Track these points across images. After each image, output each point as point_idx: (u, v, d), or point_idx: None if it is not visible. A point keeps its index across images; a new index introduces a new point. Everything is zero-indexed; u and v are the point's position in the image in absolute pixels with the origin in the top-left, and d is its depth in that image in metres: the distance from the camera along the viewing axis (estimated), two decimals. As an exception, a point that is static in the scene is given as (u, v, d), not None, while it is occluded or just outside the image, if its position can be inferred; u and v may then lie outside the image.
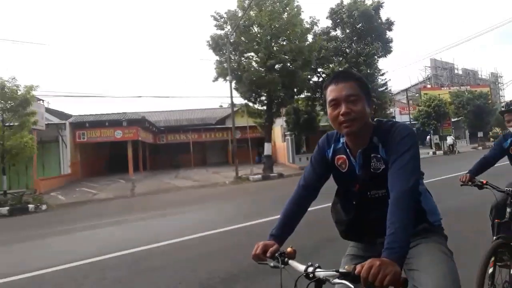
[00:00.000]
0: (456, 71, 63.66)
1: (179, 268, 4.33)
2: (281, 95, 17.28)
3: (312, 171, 1.56)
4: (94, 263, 4.78)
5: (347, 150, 1.47)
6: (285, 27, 16.31)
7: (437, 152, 27.16)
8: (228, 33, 16.63)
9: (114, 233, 7.09)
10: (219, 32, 17.54)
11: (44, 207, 11.37)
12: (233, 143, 18.19)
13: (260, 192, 12.63)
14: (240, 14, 16.92)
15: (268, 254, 1.35)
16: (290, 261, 1.31)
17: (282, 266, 1.30)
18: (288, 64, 16.40)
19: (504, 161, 3.08)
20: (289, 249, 1.34)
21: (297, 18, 16.71)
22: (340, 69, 19.14)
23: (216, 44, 17.31)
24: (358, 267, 1.05)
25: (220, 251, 5.01)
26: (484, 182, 2.61)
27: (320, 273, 1.17)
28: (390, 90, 25.04)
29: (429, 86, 53.52)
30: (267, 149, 18.28)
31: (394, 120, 1.54)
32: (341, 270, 1.10)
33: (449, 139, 26.96)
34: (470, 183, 2.69)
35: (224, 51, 17.04)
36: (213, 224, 6.73)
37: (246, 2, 16.98)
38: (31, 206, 11.03)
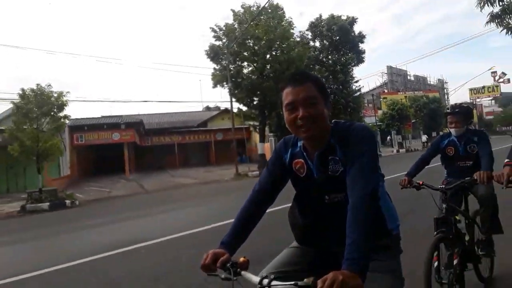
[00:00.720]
0: (408, 77, 69.26)
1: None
2: (274, 100, 19.23)
3: (269, 176, 1.49)
4: (159, 243, 5.58)
5: (304, 153, 1.39)
6: (279, 40, 18.29)
7: (400, 150, 30.57)
8: (227, 45, 18.27)
9: (165, 219, 8.13)
10: (218, 43, 19.19)
11: (77, 202, 12.38)
12: (232, 143, 19.77)
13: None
14: (236, 27, 18.70)
15: (218, 265, 1.25)
16: (243, 272, 1.22)
17: (234, 278, 1.20)
18: (282, 72, 18.40)
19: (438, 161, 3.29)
20: (241, 259, 1.25)
21: (289, 32, 18.78)
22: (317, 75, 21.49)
23: (215, 54, 18.93)
24: (319, 283, 0.96)
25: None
26: (421, 183, 2.67)
27: (277, 286, 1.09)
28: (363, 95, 27.87)
29: (385, 90, 58.08)
30: (261, 148, 20.12)
31: (351, 120, 1.39)
32: (299, 283, 1.00)
33: (424, 137, 32.47)
34: (409, 185, 2.79)
35: (222, 61, 18.72)
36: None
37: (242, 16, 18.83)
38: (67, 201, 12.03)
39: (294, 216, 1.49)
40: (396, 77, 65.68)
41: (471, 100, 55.63)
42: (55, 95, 12.31)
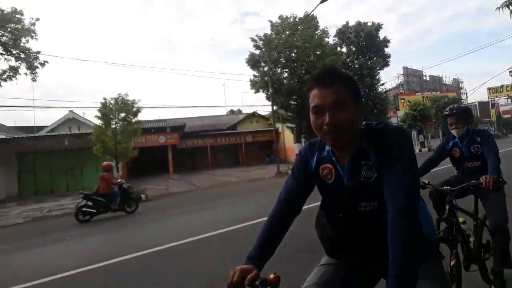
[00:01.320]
0: (424, 78, 69.84)
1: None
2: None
3: (294, 183, 1.39)
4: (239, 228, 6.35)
5: (333, 158, 1.29)
6: (315, 48, 19.79)
7: (422, 150, 31.69)
8: (268, 53, 19.85)
9: (236, 209, 9.25)
10: (257, 51, 20.78)
11: (149, 196, 14.01)
12: (274, 143, 21.26)
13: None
14: (274, 36, 20.28)
15: (246, 282, 1.17)
16: None
17: None
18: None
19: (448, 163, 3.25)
20: (271, 276, 1.17)
21: (324, 40, 20.27)
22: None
23: (255, 62, 20.52)
24: None
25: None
26: (426, 182, 2.67)
27: None
28: (389, 96, 29.14)
29: (402, 91, 58.98)
30: (297, 148, 21.60)
31: (384, 122, 1.36)
32: None
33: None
34: None
35: (262, 68, 20.30)
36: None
37: (279, 26, 20.40)
38: (143, 196, 13.68)
39: (322, 226, 1.37)
40: (412, 77, 66.42)
41: (489, 99, 56.28)
42: (129, 102, 14.01)
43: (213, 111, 49.23)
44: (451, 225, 2.46)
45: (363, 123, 1.28)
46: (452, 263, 2.39)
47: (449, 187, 2.62)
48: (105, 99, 13.66)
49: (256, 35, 20.60)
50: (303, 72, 19.54)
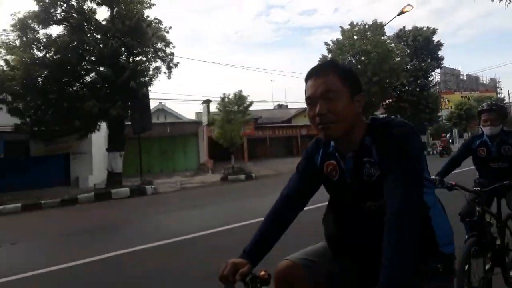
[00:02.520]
0: (461, 77, 70.23)
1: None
2: (375, 102, 23.50)
3: (299, 179, 1.37)
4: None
5: (337, 154, 1.25)
6: (384, 53, 22.47)
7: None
8: (342, 56, 22.70)
9: None
10: (328, 55, 23.70)
11: (254, 176, 17.23)
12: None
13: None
14: (346, 42, 23.12)
15: (237, 277, 1.15)
16: None
17: None
18: (386, 79, 22.64)
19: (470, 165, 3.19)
20: (262, 273, 1.15)
21: (391, 45, 22.93)
22: (404, 81, 25.41)
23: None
24: None
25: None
26: (454, 183, 2.57)
27: None
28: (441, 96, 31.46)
29: (439, 90, 60.16)
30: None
31: (391, 116, 1.30)
32: None
33: None
34: (440, 185, 2.65)
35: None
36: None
37: (349, 32, 23.19)
38: (253, 174, 16.95)
39: (328, 225, 1.32)
40: (449, 76, 67.11)
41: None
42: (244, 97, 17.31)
43: (261, 105, 52.27)
44: (483, 228, 2.40)
45: (370, 117, 1.23)
46: (487, 267, 2.34)
47: (479, 188, 2.59)
48: (224, 94, 16.99)
49: (331, 40, 23.54)
50: (371, 74, 22.29)
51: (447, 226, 1.23)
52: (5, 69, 12.00)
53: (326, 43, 23.66)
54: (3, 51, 12.27)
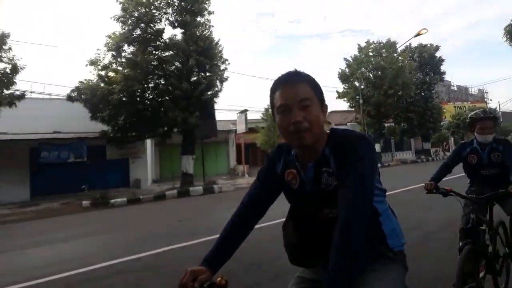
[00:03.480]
0: (452, 88, 73.59)
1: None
2: (388, 113, 26.18)
3: (259, 187, 1.38)
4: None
5: (297, 163, 1.28)
6: (397, 68, 25.21)
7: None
8: (360, 71, 25.34)
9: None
10: (347, 70, 26.37)
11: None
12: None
13: (391, 173, 20.57)
14: (363, 58, 25.83)
15: (195, 284, 1.17)
16: None
17: None
18: (399, 92, 25.39)
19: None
20: (218, 279, 1.17)
21: (404, 62, 25.72)
22: (412, 94, 28.18)
23: (346, 77, 26.07)
24: None
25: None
26: (449, 189, 2.58)
27: None
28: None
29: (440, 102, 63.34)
30: (377, 148, 26.99)
31: (347, 128, 1.34)
32: None
33: None
34: (434, 190, 2.69)
35: (350, 83, 25.89)
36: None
37: (365, 49, 25.94)
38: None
39: (287, 233, 1.35)
40: (441, 87, 70.48)
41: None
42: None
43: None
44: (478, 235, 2.42)
45: (330, 128, 1.26)
46: (481, 274, 2.39)
47: (474, 196, 2.63)
48: (268, 105, 19.29)
49: (350, 56, 26.35)
50: (387, 87, 24.98)
51: (397, 229, 1.30)
52: (101, 84, 14.10)
53: (345, 59, 26.32)
54: (97, 68, 14.40)
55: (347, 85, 26.48)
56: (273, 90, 1.25)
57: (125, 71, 13.86)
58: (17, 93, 12.33)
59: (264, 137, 19.08)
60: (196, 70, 15.37)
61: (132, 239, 6.82)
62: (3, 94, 11.38)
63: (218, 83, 15.92)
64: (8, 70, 11.17)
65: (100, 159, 16.39)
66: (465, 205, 2.78)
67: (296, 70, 1.28)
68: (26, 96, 12.79)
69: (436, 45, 31.78)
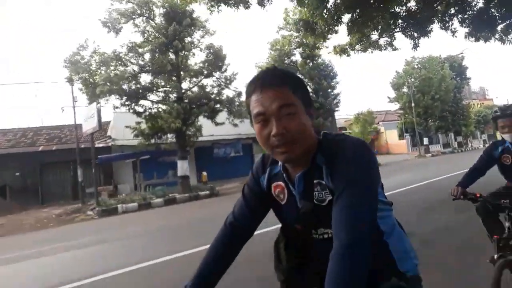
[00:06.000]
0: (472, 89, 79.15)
1: None
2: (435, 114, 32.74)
3: (244, 205, 1.21)
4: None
5: (285, 174, 1.11)
6: (440, 78, 31.63)
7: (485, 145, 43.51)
8: (409, 81, 31.75)
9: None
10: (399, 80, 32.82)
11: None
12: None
13: (441, 161, 25.27)
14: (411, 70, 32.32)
15: None
16: None
17: None
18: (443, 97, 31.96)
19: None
20: None
21: (446, 72, 32.31)
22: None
23: (398, 86, 32.51)
24: None
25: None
26: (478, 195, 2.42)
27: None
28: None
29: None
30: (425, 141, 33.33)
31: (344, 133, 1.20)
32: None
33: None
34: (462, 196, 2.47)
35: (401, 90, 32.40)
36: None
37: (412, 61, 32.45)
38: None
39: (278, 253, 1.19)
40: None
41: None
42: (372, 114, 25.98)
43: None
44: None
45: (321, 132, 1.07)
46: None
47: (508, 201, 2.33)
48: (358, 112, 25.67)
49: (401, 70, 32.92)
50: (434, 93, 31.38)
51: (408, 250, 1.10)
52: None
53: (396, 71, 32.89)
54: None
55: (397, 92, 32.95)
56: (248, 93, 1.04)
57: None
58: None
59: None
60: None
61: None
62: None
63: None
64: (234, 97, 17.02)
65: (249, 154, 22.60)
66: (497, 213, 2.51)
67: (274, 68, 1.08)
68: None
69: (462, 55, 38.36)
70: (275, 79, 1.00)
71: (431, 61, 32.41)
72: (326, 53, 21.45)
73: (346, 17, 9.07)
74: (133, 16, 14.96)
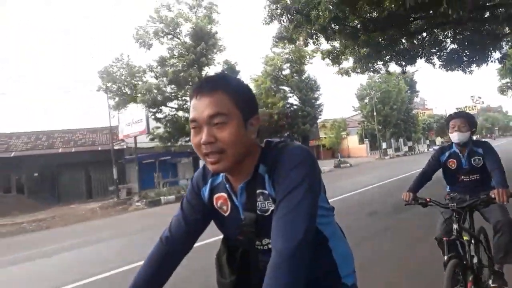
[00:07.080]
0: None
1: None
2: (391, 121, 37.73)
3: (183, 219, 1.14)
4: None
5: (227, 185, 1.07)
6: (398, 90, 36.60)
7: (430, 149, 49.94)
8: (372, 92, 36.41)
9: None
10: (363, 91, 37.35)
11: (349, 165, 29.47)
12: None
13: (400, 162, 31.31)
14: (372, 84, 37.05)
15: None
16: None
17: None
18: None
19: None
20: None
21: (401, 85, 37.41)
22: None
23: (362, 97, 37.05)
24: None
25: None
26: (428, 199, 2.50)
27: None
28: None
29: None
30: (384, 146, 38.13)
31: (288, 141, 1.10)
32: None
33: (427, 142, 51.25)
34: (413, 201, 2.56)
35: (364, 101, 36.98)
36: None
37: (374, 78, 37.23)
38: (349, 164, 29.33)
39: (220, 267, 1.13)
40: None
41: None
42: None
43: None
44: (463, 247, 2.33)
45: (265, 140, 1.06)
46: None
47: (455, 204, 2.42)
48: (333, 119, 29.40)
49: (365, 83, 37.48)
50: (392, 103, 36.23)
51: (349, 255, 1.15)
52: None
53: (361, 84, 37.48)
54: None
55: (361, 102, 37.57)
56: (190, 97, 1.00)
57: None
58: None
59: (329, 138, 29.10)
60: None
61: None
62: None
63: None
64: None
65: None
66: (443, 213, 2.56)
67: (216, 74, 1.07)
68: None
69: (414, 71, 44.28)
70: (213, 85, 0.96)
71: (390, 76, 37.43)
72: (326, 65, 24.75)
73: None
74: (160, 34, 17.17)
